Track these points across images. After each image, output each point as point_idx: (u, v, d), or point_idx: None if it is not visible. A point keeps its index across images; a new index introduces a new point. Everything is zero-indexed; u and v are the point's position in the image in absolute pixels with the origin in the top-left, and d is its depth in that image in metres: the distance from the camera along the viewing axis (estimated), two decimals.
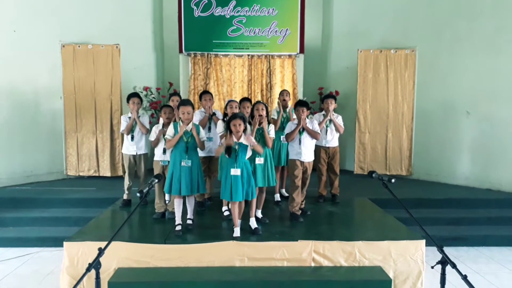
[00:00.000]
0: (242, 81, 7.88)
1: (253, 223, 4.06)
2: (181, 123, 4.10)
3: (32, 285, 3.93)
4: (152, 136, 4.59)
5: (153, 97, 7.60)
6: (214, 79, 7.82)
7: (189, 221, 4.23)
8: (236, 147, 3.88)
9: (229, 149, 3.87)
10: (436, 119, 6.96)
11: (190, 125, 4.11)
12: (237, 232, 3.93)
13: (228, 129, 3.96)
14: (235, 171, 3.87)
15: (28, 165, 6.58)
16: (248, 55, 7.76)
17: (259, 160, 4.31)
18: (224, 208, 4.60)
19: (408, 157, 7.24)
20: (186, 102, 4.13)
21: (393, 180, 2.67)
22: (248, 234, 3.97)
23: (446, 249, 4.26)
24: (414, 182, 6.90)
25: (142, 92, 7.45)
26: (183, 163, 4.02)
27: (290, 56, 7.79)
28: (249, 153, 3.96)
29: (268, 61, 7.80)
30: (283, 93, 5.45)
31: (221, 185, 4.00)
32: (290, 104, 5.65)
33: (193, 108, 4.16)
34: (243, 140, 3.92)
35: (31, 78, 6.56)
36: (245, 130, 3.96)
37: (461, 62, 6.61)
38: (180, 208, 4.14)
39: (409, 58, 7.10)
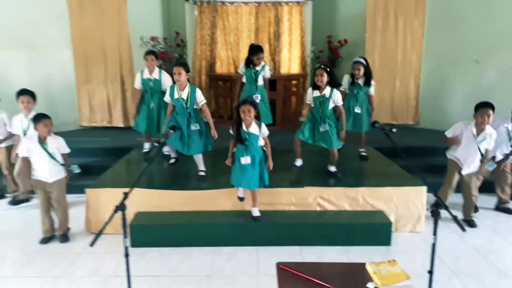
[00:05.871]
0: (249, 30, 7.79)
1: (255, 212, 3.91)
2: (177, 87, 4.14)
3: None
4: None
5: (161, 47, 7.58)
6: (221, 28, 7.75)
7: (201, 173, 4.41)
8: (246, 136, 3.66)
9: (239, 136, 3.67)
10: (444, 67, 6.93)
11: (187, 90, 4.13)
12: (241, 192, 4.00)
13: (237, 115, 3.67)
14: (245, 160, 3.69)
15: None
16: (255, 2, 7.62)
17: (322, 128, 4.27)
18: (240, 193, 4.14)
19: (414, 106, 7.28)
20: (179, 64, 4.19)
21: (394, 130, 2.79)
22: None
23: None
24: (420, 131, 7.01)
25: (149, 43, 7.44)
26: (192, 128, 4.16)
27: (298, 3, 7.62)
28: (261, 142, 3.74)
29: (275, 9, 7.66)
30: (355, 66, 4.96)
31: (232, 169, 3.87)
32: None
33: (187, 71, 4.12)
34: (253, 130, 3.66)
35: (38, 28, 6.57)
36: (256, 116, 3.66)
37: (472, 9, 6.46)
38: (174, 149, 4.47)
39: (419, 4, 6.90)
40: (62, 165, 3.96)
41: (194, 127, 4.16)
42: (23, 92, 4.50)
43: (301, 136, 4.36)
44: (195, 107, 4.21)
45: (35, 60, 6.69)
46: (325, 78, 4.15)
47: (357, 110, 4.94)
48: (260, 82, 5.12)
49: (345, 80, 5.01)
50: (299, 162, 4.50)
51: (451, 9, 6.71)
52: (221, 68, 7.89)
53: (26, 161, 3.90)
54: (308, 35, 7.73)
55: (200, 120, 4.27)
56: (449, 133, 4.37)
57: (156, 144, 2.73)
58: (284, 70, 7.86)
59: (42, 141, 3.84)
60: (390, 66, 7.20)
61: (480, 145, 4.13)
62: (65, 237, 4.01)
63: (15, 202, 4.95)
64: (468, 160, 4.21)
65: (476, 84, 6.59)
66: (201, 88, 7.73)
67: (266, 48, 7.81)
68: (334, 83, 4.24)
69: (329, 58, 7.89)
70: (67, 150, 4.03)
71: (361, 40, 7.33)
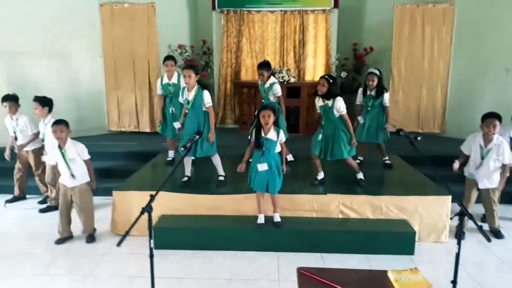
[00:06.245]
0: (274, 38, 7.89)
1: (276, 218, 3.92)
2: (186, 89, 4.24)
3: None
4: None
5: (188, 55, 7.76)
6: (247, 36, 7.87)
7: (220, 178, 4.47)
8: (263, 142, 3.69)
9: (257, 141, 3.68)
10: (472, 76, 6.79)
11: (193, 92, 4.21)
12: (261, 219, 3.90)
13: (257, 120, 3.71)
14: (262, 167, 3.72)
15: (73, 121, 6.93)
16: (281, 10, 7.71)
17: (319, 137, 4.37)
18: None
19: (441, 114, 7.15)
20: (189, 67, 4.28)
21: (419, 138, 2.77)
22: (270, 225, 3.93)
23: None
24: (447, 140, 6.86)
25: (177, 50, 7.62)
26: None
27: (323, 11, 7.67)
28: (278, 148, 3.77)
29: (301, 17, 7.73)
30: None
31: (250, 170, 3.91)
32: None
33: (196, 74, 4.20)
34: (270, 135, 3.70)
35: (70, 37, 6.86)
36: (275, 122, 3.70)
37: (502, 16, 6.33)
38: (189, 164, 4.46)
39: (447, 12, 6.83)
40: (72, 175, 3.94)
41: (176, 125, 4.28)
42: (34, 99, 4.68)
43: (316, 152, 4.39)
44: (203, 109, 4.28)
45: (67, 67, 6.99)
46: (326, 88, 4.18)
47: (361, 120, 4.99)
48: (272, 99, 5.01)
49: (359, 94, 5.06)
50: (320, 176, 4.50)
51: (480, 16, 6.58)
52: (246, 75, 8.00)
53: (56, 168, 4.09)
54: (333, 42, 7.74)
55: (205, 123, 4.29)
56: (465, 149, 4.23)
57: (182, 149, 2.81)
58: (308, 77, 7.90)
59: (61, 147, 3.95)
60: (417, 74, 7.12)
61: (486, 156, 4.02)
62: (91, 238, 4.11)
63: (43, 204, 5.09)
64: (481, 173, 4.09)
65: (505, 93, 6.42)
66: (226, 95, 7.88)
67: (291, 55, 7.89)
68: (330, 94, 4.19)
69: (354, 65, 7.88)
70: (86, 156, 4.07)
71: (387, 47, 7.28)
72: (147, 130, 7.26)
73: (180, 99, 4.39)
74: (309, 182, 4.47)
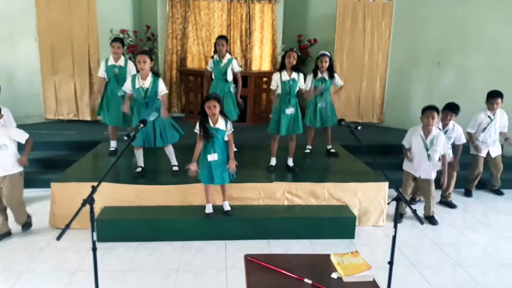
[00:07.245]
0: (221, 26, 7.81)
1: (226, 206, 3.96)
2: (139, 76, 4.11)
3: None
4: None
5: (131, 41, 7.47)
6: (193, 23, 7.72)
7: (175, 168, 4.42)
8: (213, 132, 3.66)
9: (206, 133, 3.64)
10: (407, 69, 7.20)
11: (149, 80, 4.10)
12: (209, 208, 3.92)
13: (202, 112, 3.64)
14: (212, 157, 3.70)
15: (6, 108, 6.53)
16: None
17: (289, 111, 4.37)
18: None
19: (380, 105, 7.53)
20: (143, 52, 4.13)
21: (359, 128, 2.89)
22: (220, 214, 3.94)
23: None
24: (384, 130, 7.26)
25: (119, 35, 7.30)
26: (151, 118, 4.10)
27: (270, 1, 7.71)
28: (226, 137, 3.76)
29: (247, 6, 7.72)
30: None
31: (199, 167, 3.78)
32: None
33: (151, 60, 4.11)
34: (219, 125, 3.67)
35: (2, 18, 6.36)
36: (221, 111, 3.66)
37: (436, 12, 6.76)
38: (141, 155, 4.37)
39: (386, 7, 7.16)
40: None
41: (152, 116, 4.12)
42: None
43: (284, 131, 4.41)
44: (157, 97, 4.19)
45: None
46: (295, 60, 4.33)
47: (321, 104, 5.05)
48: (230, 77, 5.02)
49: (309, 80, 5.02)
50: (274, 161, 4.60)
51: (416, 12, 6.98)
52: (192, 63, 7.87)
53: None
54: (279, 33, 7.83)
55: (160, 111, 4.22)
56: (406, 143, 4.41)
57: (125, 138, 2.71)
58: (255, 67, 7.93)
59: None
60: (358, 66, 7.41)
61: (430, 147, 4.25)
62: (28, 225, 3.94)
63: None
64: (422, 164, 4.31)
65: (437, 85, 6.89)
66: (172, 83, 7.71)
67: (237, 44, 7.87)
68: (298, 66, 4.38)
69: (299, 57, 7.97)
70: (25, 136, 3.80)
71: (330, 40, 7.49)
72: (88, 118, 6.93)
73: (128, 88, 4.17)
74: (257, 171, 4.54)
